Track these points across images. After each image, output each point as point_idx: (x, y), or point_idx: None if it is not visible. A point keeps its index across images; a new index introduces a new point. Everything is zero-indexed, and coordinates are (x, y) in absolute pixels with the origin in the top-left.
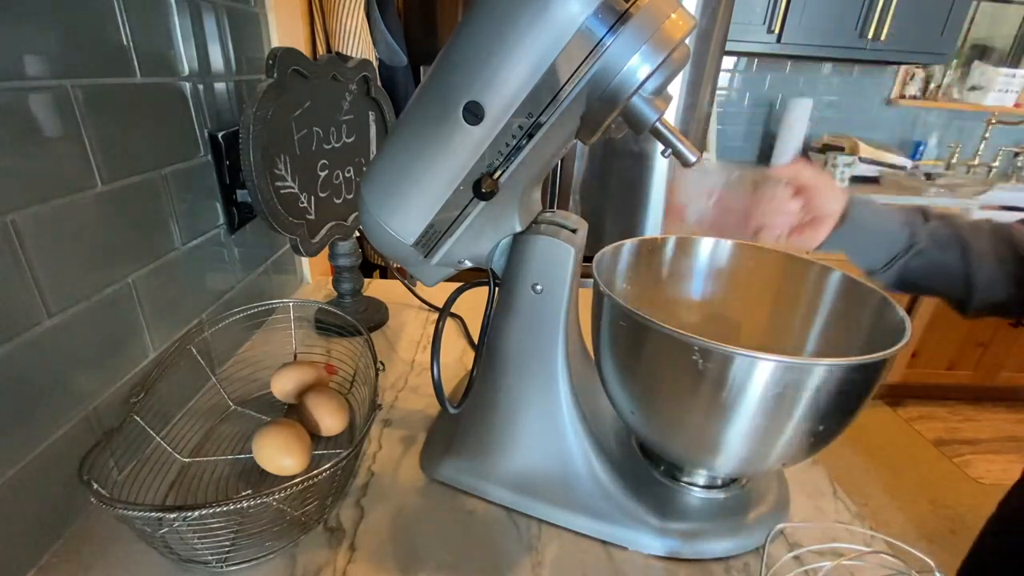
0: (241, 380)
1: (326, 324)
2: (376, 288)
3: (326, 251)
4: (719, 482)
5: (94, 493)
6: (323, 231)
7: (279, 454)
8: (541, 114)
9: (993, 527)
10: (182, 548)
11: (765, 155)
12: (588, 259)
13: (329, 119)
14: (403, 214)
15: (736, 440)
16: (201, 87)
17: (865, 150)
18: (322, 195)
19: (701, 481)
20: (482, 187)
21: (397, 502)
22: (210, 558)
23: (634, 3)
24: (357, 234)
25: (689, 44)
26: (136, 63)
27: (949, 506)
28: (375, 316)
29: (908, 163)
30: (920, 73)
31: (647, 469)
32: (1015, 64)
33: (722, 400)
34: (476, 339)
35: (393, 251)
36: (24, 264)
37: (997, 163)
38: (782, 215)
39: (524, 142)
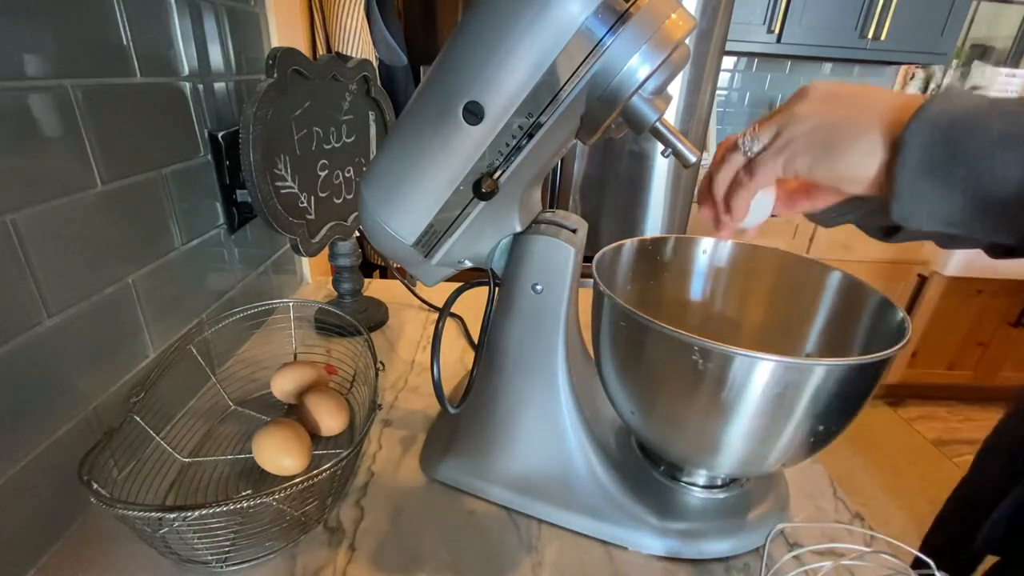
0: (241, 380)
1: (326, 324)
2: (376, 288)
3: (326, 251)
4: (719, 482)
5: (94, 493)
6: (323, 231)
7: (279, 454)
8: (541, 114)
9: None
10: (182, 548)
11: None
12: (588, 259)
13: (329, 119)
14: (403, 214)
15: (736, 440)
16: (201, 87)
17: None
18: (322, 195)
19: (701, 481)
20: (482, 187)
21: (397, 502)
22: (210, 558)
23: (634, 3)
24: (357, 234)
25: (689, 44)
26: (136, 63)
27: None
28: (375, 316)
29: None
30: (920, 73)
31: (647, 469)
32: (1015, 64)
33: (722, 400)
34: (476, 339)
35: (393, 251)
36: (24, 264)
37: None
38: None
39: (524, 142)
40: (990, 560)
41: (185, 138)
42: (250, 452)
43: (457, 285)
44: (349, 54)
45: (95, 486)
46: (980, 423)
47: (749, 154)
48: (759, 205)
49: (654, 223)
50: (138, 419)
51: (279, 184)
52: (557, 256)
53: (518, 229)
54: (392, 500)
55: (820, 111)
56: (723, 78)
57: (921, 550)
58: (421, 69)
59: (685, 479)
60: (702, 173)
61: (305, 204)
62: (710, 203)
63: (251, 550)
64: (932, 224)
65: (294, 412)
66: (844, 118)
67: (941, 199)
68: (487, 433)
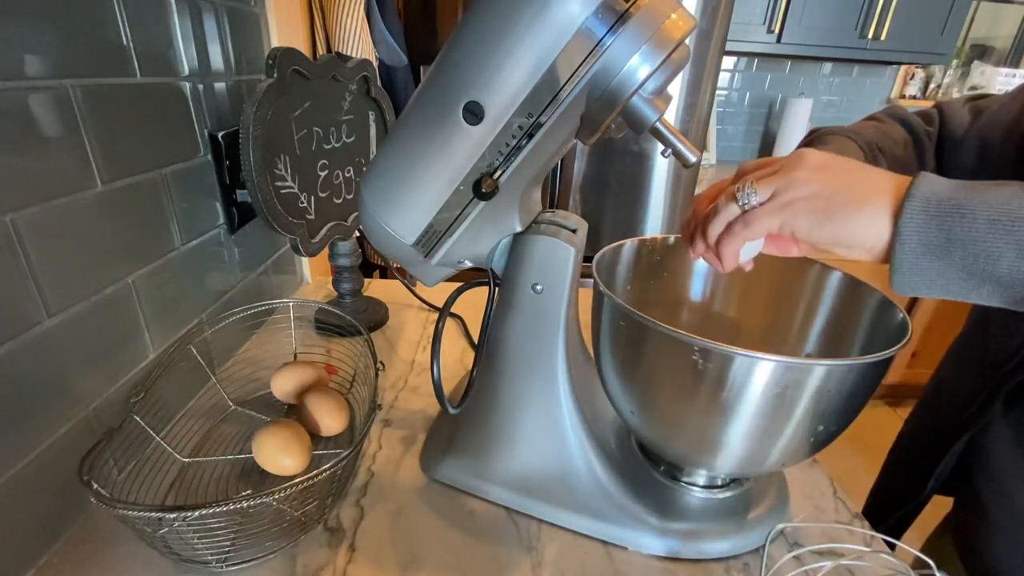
0: (241, 380)
1: (326, 324)
2: (376, 288)
3: (326, 251)
4: (719, 482)
5: (94, 493)
6: (323, 231)
7: (279, 454)
8: (541, 114)
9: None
10: (182, 548)
11: (765, 155)
12: (588, 259)
13: (329, 119)
14: (403, 214)
15: (736, 440)
16: (201, 87)
17: None
18: (322, 195)
19: (701, 481)
20: (482, 187)
21: (397, 502)
22: (210, 558)
23: (634, 3)
24: (357, 234)
25: (689, 44)
26: (136, 63)
27: (948, 506)
28: (375, 316)
29: None
30: (920, 73)
31: (647, 469)
32: (1015, 64)
33: (722, 400)
34: (476, 339)
35: (393, 251)
36: (24, 264)
37: None
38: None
39: (524, 142)
40: (931, 509)
41: (185, 138)
42: (250, 452)
43: (457, 285)
44: (349, 54)
45: (95, 486)
46: None
47: (745, 207)
48: (749, 245)
49: (654, 223)
50: (138, 419)
51: (279, 184)
52: (557, 256)
53: (518, 229)
54: (392, 500)
55: (820, 179)
56: (723, 78)
57: (869, 506)
58: (421, 69)
59: (685, 479)
60: (702, 173)
61: (305, 204)
62: (700, 246)
63: (251, 550)
64: (930, 294)
65: (294, 412)
66: (844, 188)
67: (940, 274)
68: (487, 433)
